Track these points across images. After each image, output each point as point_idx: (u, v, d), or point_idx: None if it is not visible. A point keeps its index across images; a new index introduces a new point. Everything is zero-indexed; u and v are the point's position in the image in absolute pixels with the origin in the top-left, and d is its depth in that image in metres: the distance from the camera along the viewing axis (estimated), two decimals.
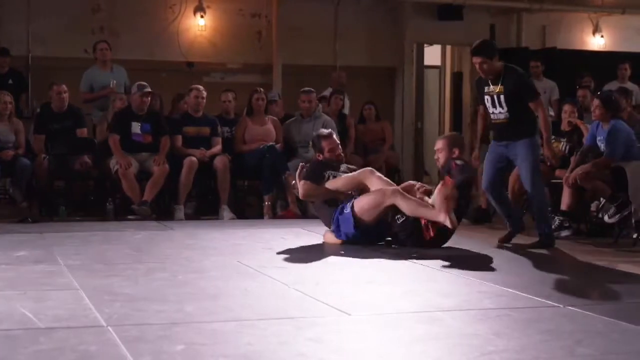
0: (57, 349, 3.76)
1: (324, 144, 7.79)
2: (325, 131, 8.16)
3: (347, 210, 7.23)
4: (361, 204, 7.19)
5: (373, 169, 7.64)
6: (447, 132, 15.05)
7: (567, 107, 9.27)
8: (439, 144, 7.69)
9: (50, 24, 12.08)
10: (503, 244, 7.69)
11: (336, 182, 7.51)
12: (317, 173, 7.61)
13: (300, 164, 7.91)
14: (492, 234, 8.63)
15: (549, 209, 8.62)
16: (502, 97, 7.39)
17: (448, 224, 6.84)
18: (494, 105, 7.47)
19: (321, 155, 7.79)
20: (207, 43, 12.92)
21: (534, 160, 7.48)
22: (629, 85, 12.30)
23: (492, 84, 7.44)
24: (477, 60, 7.40)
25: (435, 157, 7.73)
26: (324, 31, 13.28)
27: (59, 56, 11.94)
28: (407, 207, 7.04)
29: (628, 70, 12.51)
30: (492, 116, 7.57)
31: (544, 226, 7.59)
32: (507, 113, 7.41)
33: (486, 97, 7.51)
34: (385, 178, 7.51)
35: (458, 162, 7.49)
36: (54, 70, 11.46)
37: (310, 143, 8.23)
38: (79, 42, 12.13)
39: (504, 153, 7.58)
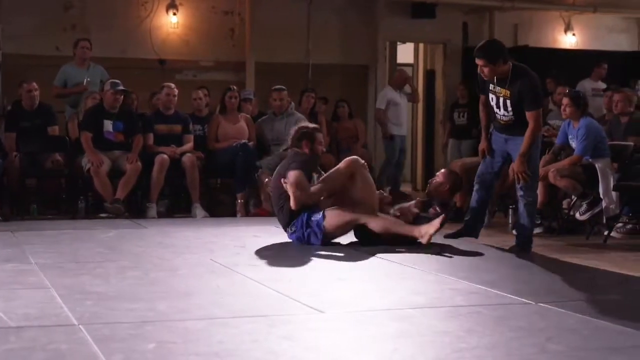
0: (27, 348, 3.74)
1: (318, 136, 7.48)
2: (313, 125, 7.80)
3: (317, 218, 7.09)
4: (333, 221, 7.06)
5: (359, 159, 7.37)
6: (419, 130, 15.08)
7: None
8: (442, 174, 7.92)
9: (22, 21, 12.00)
10: (449, 237, 7.54)
11: (324, 187, 7.24)
12: (309, 167, 7.29)
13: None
14: None
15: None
16: (508, 101, 6.99)
17: (424, 241, 6.94)
18: (498, 107, 7.10)
19: (308, 148, 7.40)
20: (179, 41, 12.88)
21: (531, 162, 7.06)
22: (600, 84, 12.39)
23: (498, 85, 7.03)
24: (478, 62, 6.99)
25: (435, 179, 7.90)
26: (297, 29, 13.26)
27: (30, 53, 11.86)
28: (380, 227, 7.07)
29: (605, 70, 12.60)
30: (496, 115, 7.20)
31: (526, 229, 7.26)
32: (512, 116, 7.03)
33: (491, 95, 7.13)
34: (368, 177, 7.39)
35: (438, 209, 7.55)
36: (25, 68, 11.37)
37: (296, 133, 7.49)
38: (51, 40, 12.08)
39: (504, 147, 7.24)
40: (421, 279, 5.77)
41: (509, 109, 7.03)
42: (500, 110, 7.12)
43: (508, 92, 6.98)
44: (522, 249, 7.23)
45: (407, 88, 12.97)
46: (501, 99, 7.05)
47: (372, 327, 4.27)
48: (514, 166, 7.05)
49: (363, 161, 7.39)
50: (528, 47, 14.21)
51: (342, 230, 7.14)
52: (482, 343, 3.95)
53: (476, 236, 7.58)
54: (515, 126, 7.05)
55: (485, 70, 6.96)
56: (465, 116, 12.50)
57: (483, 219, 7.73)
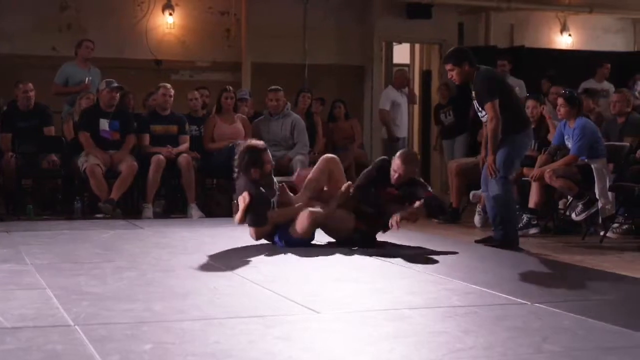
0: (23, 348, 3.74)
1: (265, 156, 7.19)
2: (260, 143, 7.42)
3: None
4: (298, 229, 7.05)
5: (332, 157, 7.53)
6: (415, 131, 15.10)
7: (530, 103, 9.25)
8: (399, 163, 7.24)
9: (18, 22, 11.97)
10: (480, 242, 7.68)
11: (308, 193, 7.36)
12: (266, 199, 7.11)
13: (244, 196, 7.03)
14: (462, 233, 8.70)
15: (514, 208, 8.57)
16: (475, 102, 7.37)
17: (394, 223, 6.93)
18: (477, 110, 7.44)
19: (258, 174, 7.13)
20: (175, 41, 12.87)
21: (501, 157, 7.20)
22: (605, 84, 12.38)
23: (472, 90, 7.40)
24: (447, 67, 7.39)
25: (394, 173, 7.26)
26: (293, 29, 13.26)
27: (26, 54, 11.85)
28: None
29: (608, 70, 12.61)
30: (480, 118, 7.49)
31: (502, 223, 7.38)
32: (486, 116, 7.29)
33: (474, 102, 7.47)
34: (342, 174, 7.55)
35: (430, 189, 7.43)
36: (21, 68, 11.37)
37: (242, 158, 7.17)
38: (47, 40, 12.06)
39: None
40: (417, 279, 5.78)
41: (480, 109, 7.34)
42: (479, 113, 7.43)
43: (474, 92, 7.34)
44: (503, 242, 7.34)
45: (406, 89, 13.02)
46: (475, 102, 7.40)
47: (368, 327, 4.27)
48: (488, 159, 7.31)
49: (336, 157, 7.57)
50: (524, 48, 14.23)
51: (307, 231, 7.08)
52: (478, 343, 3.96)
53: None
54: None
55: (454, 73, 7.34)
56: (451, 114, 12.53)
57: None
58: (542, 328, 4.27)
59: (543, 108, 9.25)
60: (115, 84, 9.69)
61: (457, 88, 12.07)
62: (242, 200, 7.00)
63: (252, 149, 7.19)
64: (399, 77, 12.86)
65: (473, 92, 7.38)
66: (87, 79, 10.55)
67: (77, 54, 10.79)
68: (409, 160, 7.30)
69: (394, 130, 12.40)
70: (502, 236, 7.39)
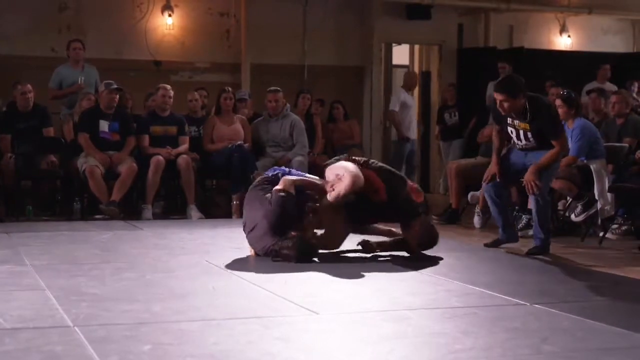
0: (22, 349, 3.74)
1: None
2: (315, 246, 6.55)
3: None
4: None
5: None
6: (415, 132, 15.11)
7: None
8: (419, 234, 6.70)
9: (17, 22, 11.95)
10: (489, 246, 7.63)
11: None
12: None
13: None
14: (462, 234, 8.70)
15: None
16: (528, 133, 7.15)
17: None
18: (519, 138, 7.24)
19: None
20: (175, 42, 12.86)
21: (548, 177, 7.21)
22: (608, 85, 12.40)
23: (516, 119, 7.15)
24: (498, 97, 7.06)
25: (406, 232, 6.77)
26: (293, 30, 13.26)
27: (25, 55, 11.83)
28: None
29: (608, 71, 12.63)
30: (517, 145, 7.33)
31: (539, 232, 7.29)
32: (534, 143, 7.18)
33: (510, 128, 7.26)
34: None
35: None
36: (20, 69, 11.36)
37: (290, 243, 6.35)
38: (46, 41, 12.05)
39: (522, 160, 7.32)
40: (416, 280, 5.78)
41: (530, 139, 7.20)
42: (521, 141, 7.29)
43: (527, 125, 7.12)
44: (538, 252, 7.26)
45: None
46: (521, 132, 7.21)
47: (367, 328, 4.27)
48: (526, 174, 7.11)
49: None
50: (524, 49, 14.22)
51: None
52: (477, 344, 3.96)
53: (515, 240, 7.62)
54: (537, 148, 7.22)
55: (506, 105, 7.05)
56: (456, 115, 12.65)
57: (512, 223, 7.78)
58: (541, 329, 4.28)
59: None
60: (115, 86, 9.69)
61: (461, 91, 12.16)
62: (250, 253, 6.78)
63: (307, 250, 6.41)
64: (408, 79, 13.01)
65: (522, 123, 7.12)
66: (79, 79, 10.55)
67: (69, 56, 10.79)
68: (426, 240, 6.76)
69: (403, 130, 12.54)
70: (542, 242, 7.30)
